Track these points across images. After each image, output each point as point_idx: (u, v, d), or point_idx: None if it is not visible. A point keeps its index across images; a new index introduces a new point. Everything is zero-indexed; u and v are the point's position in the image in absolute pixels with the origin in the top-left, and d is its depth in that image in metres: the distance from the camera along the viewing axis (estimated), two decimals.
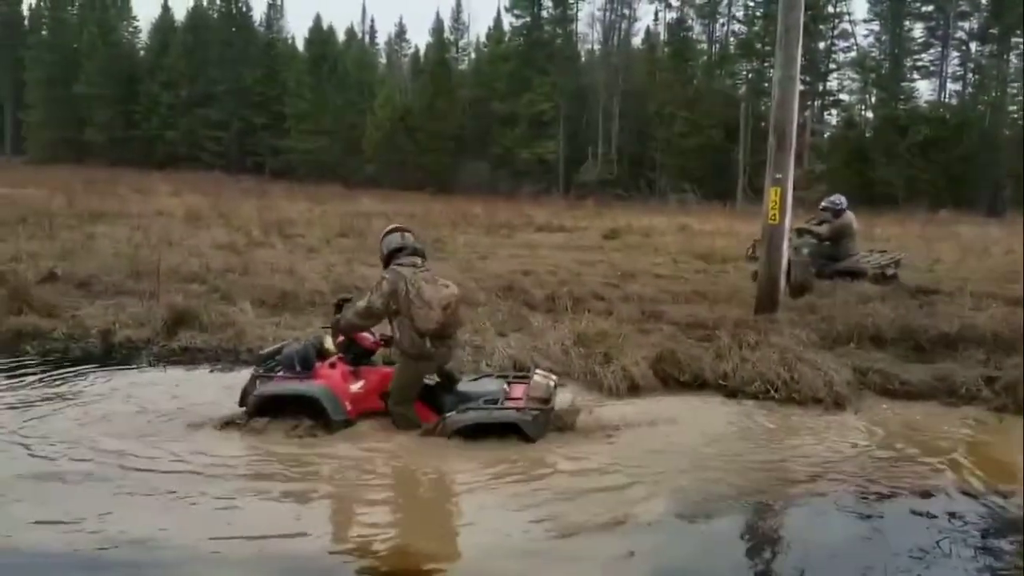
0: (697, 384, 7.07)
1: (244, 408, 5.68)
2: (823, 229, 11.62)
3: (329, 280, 10.68)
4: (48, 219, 16.16)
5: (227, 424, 5.64)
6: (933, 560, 4.19)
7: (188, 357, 7.79)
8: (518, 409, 5.54)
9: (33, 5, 65.35)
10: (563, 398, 6.18)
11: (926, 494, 5.02)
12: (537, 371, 6.04)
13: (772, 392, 6.80)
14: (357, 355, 5.87)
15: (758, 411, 6.58)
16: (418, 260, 5.69)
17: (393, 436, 5.56)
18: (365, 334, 5.93)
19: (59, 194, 22.58)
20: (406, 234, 5.84)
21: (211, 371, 7.38)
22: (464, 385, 6.00)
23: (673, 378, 7.12)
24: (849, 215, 11.64)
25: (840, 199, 11.80)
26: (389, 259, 5.71)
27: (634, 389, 6.87)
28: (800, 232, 11.63)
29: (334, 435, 5.49)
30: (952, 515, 4.71)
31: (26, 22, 65.32)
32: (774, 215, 9.21)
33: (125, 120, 56.40)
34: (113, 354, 7.91)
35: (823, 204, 11.89)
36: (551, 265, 13.47)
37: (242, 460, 5.15)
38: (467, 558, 4.17)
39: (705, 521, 4.63)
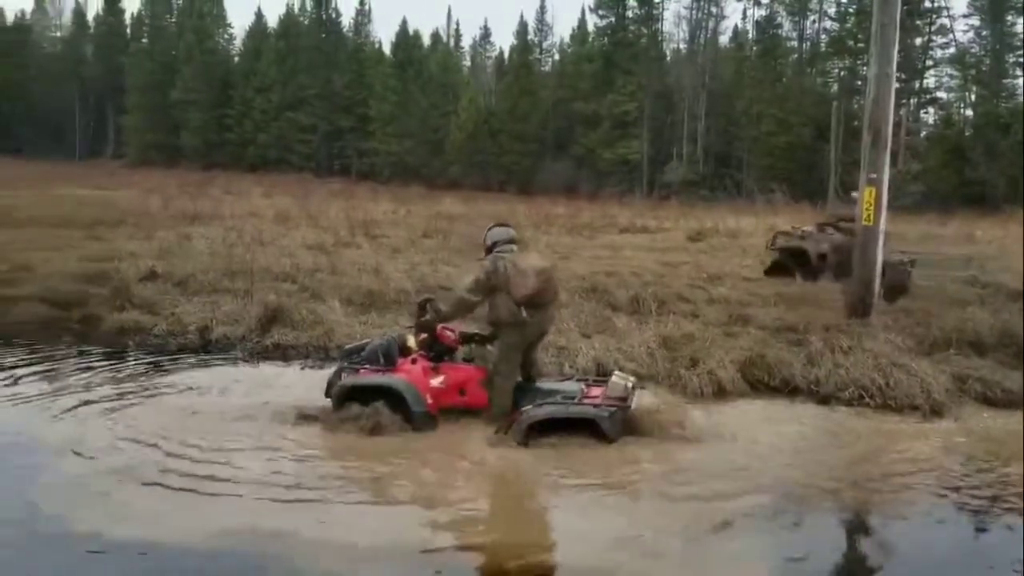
0: (788, 390, 6.92)
1: (329, 399, 5.86)
2: (849, 226, 11.06)
3: (413, 279, 10.81)
4: (147, 220, 16.82)
5: (310, 418, 5.82)
6: None
7: (280, 354, 8.01)
8: (595, 406, 5.55)
9: (135, 14, 68.22)
10: (645, 401, 6.12)
11: None
12: (616, 372, 6.03)
13: (867, 399, 6.61)
14: (438, 353, 5.99)
15: (851, 418, 6.40)
16: (514, 247, 6.04)
17: (474, 436, 5.60)
18: (447, 332, 6.06)
19: (155, 196, 23.49)
20: (507, 228, 6.18)
21: (302, 368, 7.57)
22: (544, 384, 6.07)
23: (763, 383, 6.99)
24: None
25: None
26: (491, 249, 6.00)
27: (721, 393, 6.77)
28: (822, 227, 11.87)
29: (416, 433, 5.58)
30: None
31: (128, 30, 68.18)
32: (868, 215, 8.92)
33: (218, 124, 58.33)
34: (210, 349, 8.19)
35: (853, 195, 10.99)
36: (635, 266, 13.34)
37: (318, 457, 5.27)
38: (570, 562, 4.15)
39: (794, 529, 4.51)
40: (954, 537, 4.53)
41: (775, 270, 12.27)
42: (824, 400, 6.71)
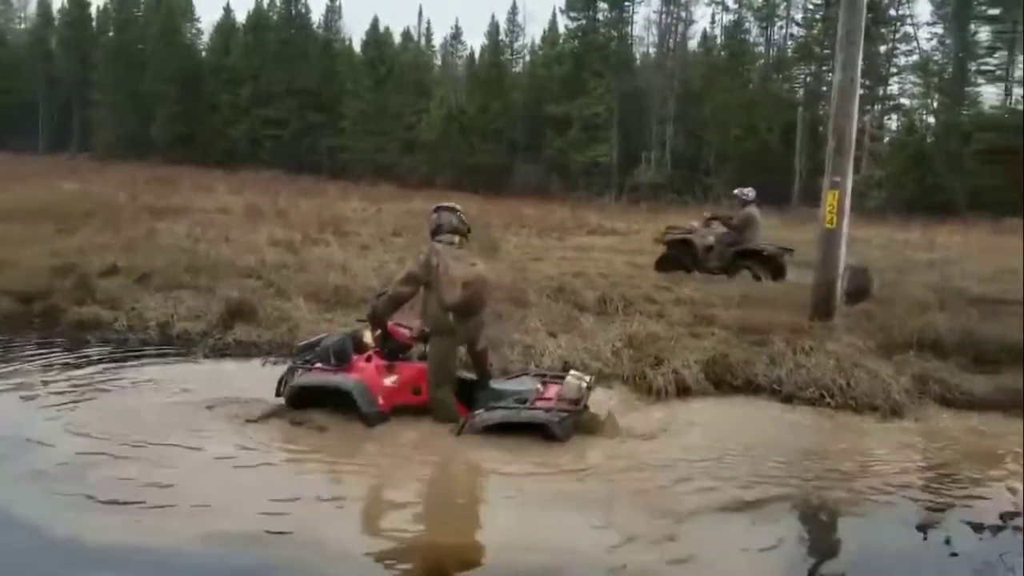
0: (750, 389, 6.99)
1: (281, 398, 5.80)
2: (733, 219, 12.74)
3: (381, 277, 10.75)
4: (114, 215, 16.56)
5: (265, 416, 5.75)
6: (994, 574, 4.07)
7: (242, 350, 7.93)
8: (546, 410, 5.54)
9: (100, 7, 67.18)
10: (603, 400, 6.18)
11: (985, 506, 4.88)
12: (572, 372, 6.02)
13: (828, 398, 6.70)
14: (393, 350, 5.92)
15: (811, 416, 6.49)
16: (456, 239, 5.87)
17: (428, 435, 5.58)
18: (401, 329, 5.99)
19: (123, 190, 23.14)
20: (455, 214, 5.96)
21: (263, 364, 7.49)
22: (499, 383, 6.09)
23: (726, 382, 7.05)
24: (754, 208, 12.72)
25: (749, 192, 12.89)
26: (433, 235, 5.90)
27: (685, 392, 6.81)
28: (708, 221, 13.10)
29: (370, 430, 5.54)
30: (1016, 528, 4.57)
31: (94, 23, 67.11)
32: (831, 219, 9.04)
33: (187, 119, 57.60)
34: (170, 346, 8.08)
35: (734, 192, 13.19)
36: (603, 268, 13.39)
37: (273, 454, 5.23)
38: (503, 557, 4.15)
39: (748, 526, 4.56)
40: (912, 535, 4.59)
41: (664, 263, 13.19)
42: (786, 399, 6.78)
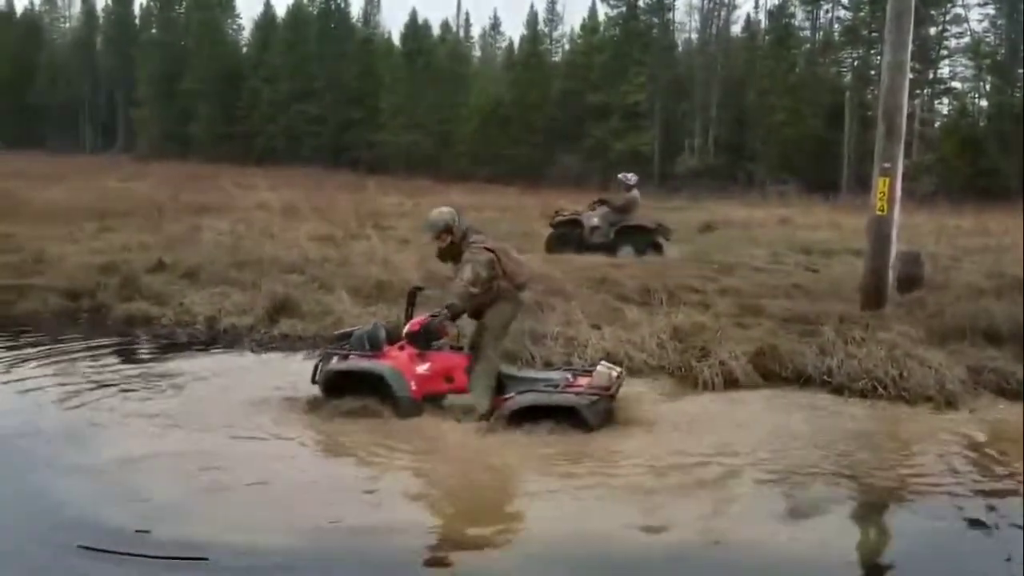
0: (800, 380, 6.85)
1: (316, 384, 5.88)
2: (618, 201, 13.92)
3: (421, 271, 10.74)
4: (156, 212, 16.82)
5: (297, 406, 5.84)
6: None
7: (288, 344, 7.99)
8: (577, 394, 5.56)
9: (144, 5, 68.13)
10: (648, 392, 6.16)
11: None
12: (602, 362, 6.06)
13: (880, 389, 6.55)
14: (428, 340, 5.93)
15: (863, 408, 6.36)
16: (482, 234, 6.13)
17: (466, 430, 5.59)
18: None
19: (165, 188, 23.51)
20: (457, 215, 6.08)
21: (305, 358, 7.51)
22: (528, 374, 6.18)
23: (775, 374, 6.93)
24: (636, 191, 14.14)
25: (632, 176, 14.32)
26: (463, 239, 5.93)
27: (733, 384, 6.71)
28: (595, 204, 14.20)
29: (414, 425, 5.57)
30: None
31: (137, 21, 68.17)
32: (882, 206, 8.83)
33: (227, 116, 58.27)
34: (218, 340, 8.17)
35: (619, 176, 14.43)
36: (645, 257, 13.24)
37: (303, 446, 5.30)
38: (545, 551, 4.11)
39: (792, 521, 4.48)
40: (966, 529, 4.46)
41: (553, 243, 13.90)
42: (837, 390, 6.65)
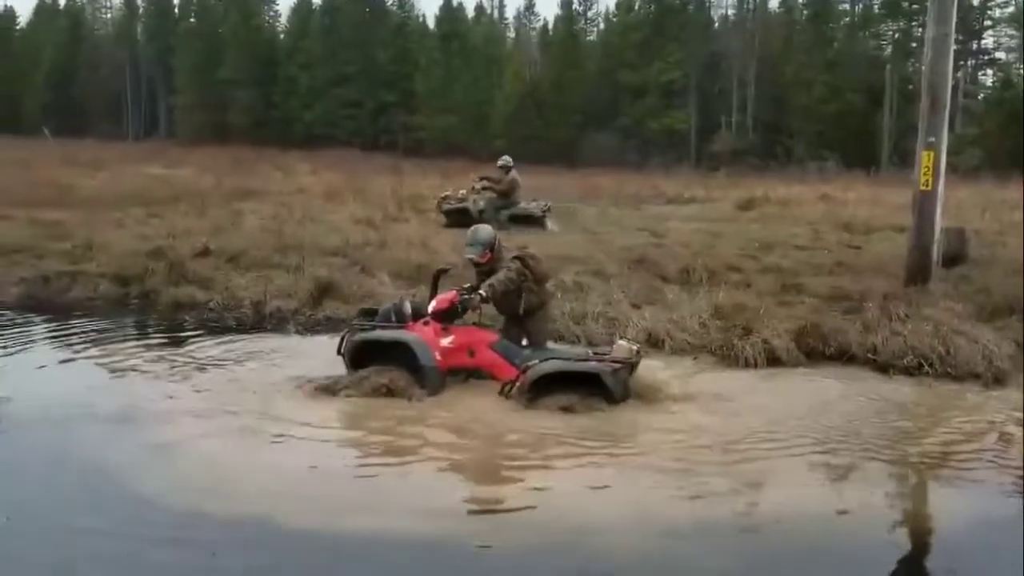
0: (844, 358, 6.81)
1: (341, 355, 6.04)
2: (500, 184, 14.48)
3: (459, 252, 10.82)
4: (199, 198, 17.09)
5: (321, 387, 5.91)
6: None
7: (332, 326, 8.10)
8: (599, 361, 5.68)
9: None
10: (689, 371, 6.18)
11: None
12: (621, 338, 6.22)
13: (926, 367, 6.48)
14: (450, 316, 6.06)
15: (909, 385, 6.31)
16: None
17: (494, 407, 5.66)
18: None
19: (207, 174, 23.85)
20: (492, 233, 6.32)
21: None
22: (552, 349, 6.25)
23: (818, 352, 6.88)
24: (515, 172, 14.74)
25: (508, 159, 14.96)
26: (496, 249, 6.20)
27: (775, 362, 6.69)
28: (478, 180, 14.81)
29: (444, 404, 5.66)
30: None
31: (176, 10, 68.92)
32: (926, 181, 8.71)
33: (265, 102, 58.75)
34: (264, 323, 8.33)
35: (499, 163, 14.96)
36: (684, 237, 13.20)
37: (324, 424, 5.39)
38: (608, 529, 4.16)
39: (839, 492, 4.51)
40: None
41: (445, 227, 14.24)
42: (882, 368, 6.59)
